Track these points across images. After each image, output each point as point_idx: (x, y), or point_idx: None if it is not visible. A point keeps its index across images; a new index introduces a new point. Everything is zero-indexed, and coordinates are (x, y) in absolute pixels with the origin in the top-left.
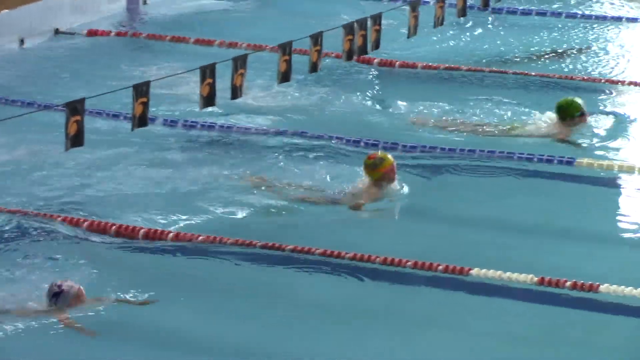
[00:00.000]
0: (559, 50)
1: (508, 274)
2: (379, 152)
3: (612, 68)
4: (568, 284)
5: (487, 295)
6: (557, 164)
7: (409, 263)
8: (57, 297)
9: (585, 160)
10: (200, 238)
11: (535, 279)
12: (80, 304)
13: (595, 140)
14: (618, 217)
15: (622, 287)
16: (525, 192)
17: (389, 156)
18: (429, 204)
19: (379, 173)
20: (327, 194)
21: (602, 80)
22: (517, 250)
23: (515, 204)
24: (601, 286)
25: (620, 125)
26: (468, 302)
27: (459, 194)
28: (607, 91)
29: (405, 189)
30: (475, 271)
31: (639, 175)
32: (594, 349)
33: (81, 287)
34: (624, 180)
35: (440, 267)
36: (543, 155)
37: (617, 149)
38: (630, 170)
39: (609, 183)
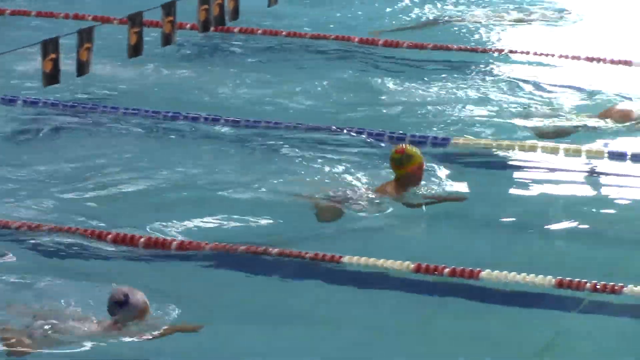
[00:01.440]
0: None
1: (390, 261)
2: (407, 145)
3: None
4: (447, 270)
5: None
6: (430, 144)
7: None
8: (121, 307)
9: (462, 140)
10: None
11: (412, 265)
12: (142, 321)
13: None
14: (498, 200)
15: (505, 272)
16: None
17: (418, 152)
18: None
19: (404, 171)
20: (336, 196)
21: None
22: (388, 235)
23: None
24: (482, 272)
25: (496, 99)
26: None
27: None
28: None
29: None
30: None
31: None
32: (467, 338)
33: (147, 302)
34: (502, 159)
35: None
36: (415, 135)
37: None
38: (502, 147)
39: (489, 164)
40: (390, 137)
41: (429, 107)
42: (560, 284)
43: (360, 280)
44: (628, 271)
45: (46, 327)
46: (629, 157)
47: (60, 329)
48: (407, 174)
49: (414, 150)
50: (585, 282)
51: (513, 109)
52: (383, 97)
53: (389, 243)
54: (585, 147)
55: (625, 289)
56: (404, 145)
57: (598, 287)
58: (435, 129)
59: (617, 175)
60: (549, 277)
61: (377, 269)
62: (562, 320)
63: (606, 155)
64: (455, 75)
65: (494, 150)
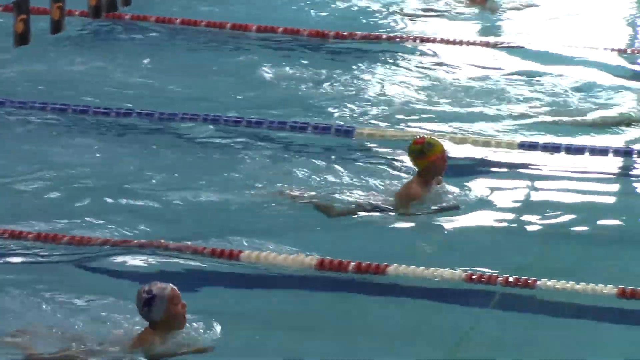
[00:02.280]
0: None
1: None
2: (426, 135)
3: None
4: (352, 265)
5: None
6: (335, 134)
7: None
8: (150, 304)
9: (367, 130)
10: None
11: (314, 261)
12: (178, 309)
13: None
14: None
15: (412, 267)
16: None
17: (438, 141)
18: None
19: (426, 162)
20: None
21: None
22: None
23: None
24: (389, 267)
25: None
26: None
27: None
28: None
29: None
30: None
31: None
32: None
33: (174, 287)
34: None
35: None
36: (318, 125)
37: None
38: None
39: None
40: (293, 126)
41: (333, 96)
42: (470, 278)
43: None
44: (546, 264)
45: (75, 351)
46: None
47: (93, 352)
48: (430, 164)
49: (433, 138)
50: (497, 277)
51: (430, 98)
52: (281, 85)
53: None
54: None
55: (538, 282)
56: (422, 135)
57: (510, 281)
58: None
59: (529, 166)
60: (459, 271)
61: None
62: (475, 315)
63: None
64: (361, 65)
65: (401, 140)
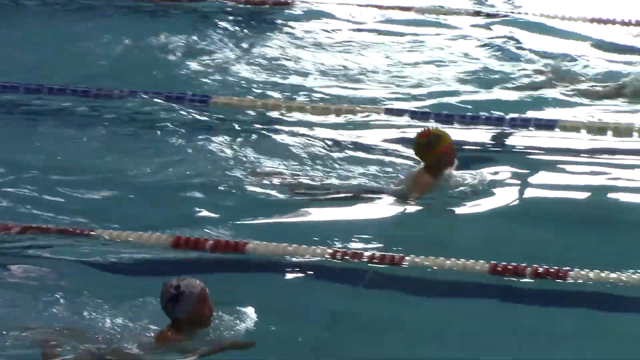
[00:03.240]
0: None
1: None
2: (432, 127)
3: None
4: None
5: None
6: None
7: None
8: (177, 301)
9: (222, 99)
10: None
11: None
12: (205, 310)
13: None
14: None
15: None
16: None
17: (445, 131)
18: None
19: (435, 155)
20: (368, 187)
21: None
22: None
23: None
24: (248, 245)
25: None
26: None
27: None
28: None
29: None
30: None
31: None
32: None
33: (204, 286)
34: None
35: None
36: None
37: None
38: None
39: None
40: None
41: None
42: (333, 256)
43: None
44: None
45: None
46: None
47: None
48: (438, 156)
49: (438, 129)
50: (362, 252)
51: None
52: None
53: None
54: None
55: (406, 258)
56: (426, 128)
57: (376, 259)
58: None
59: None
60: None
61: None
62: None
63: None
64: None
65: (258, 110)
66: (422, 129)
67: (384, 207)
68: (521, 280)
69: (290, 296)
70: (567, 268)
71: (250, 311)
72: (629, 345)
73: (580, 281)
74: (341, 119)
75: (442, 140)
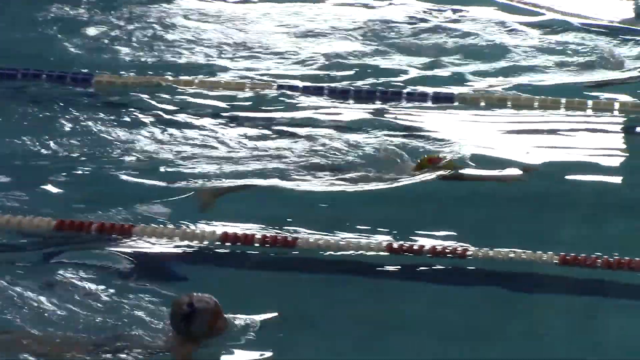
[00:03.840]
0: None
1: None
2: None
3: None
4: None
5: None
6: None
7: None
8: (190, 319)
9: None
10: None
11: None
12: (220, 325)
13: None
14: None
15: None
16: None
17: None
18: None
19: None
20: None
21: None
22: None
23: None
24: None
25: None
26: None
27: None
28: None
29: None
30: None
31: None
32: None
33: (218, 302)
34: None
35: None
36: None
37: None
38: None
39: None
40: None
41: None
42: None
43: None
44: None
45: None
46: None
47: None
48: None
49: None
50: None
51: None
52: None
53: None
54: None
55: (299, 240)
56: (437, 154)
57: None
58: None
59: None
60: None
61: None
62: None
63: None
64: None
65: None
66: (434, 155)
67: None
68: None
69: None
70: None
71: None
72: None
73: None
74: (231, 93)
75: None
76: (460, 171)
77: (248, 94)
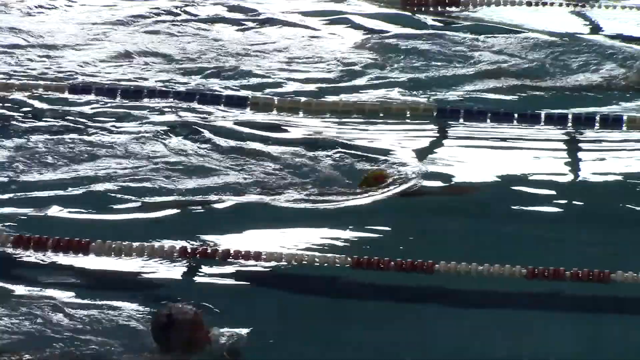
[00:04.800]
0: None
1: None
2: (383, 170)
3: None
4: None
5: None
6: None
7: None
8: (169, 331)
9: None
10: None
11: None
12: (200, 341)
13: None
14: None
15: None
16: None
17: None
18: None
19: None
20: None
21: None
22: None
23: None
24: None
25: None
26: None
27: None
28: None
29: None
30: None
31: None
32: None
33: (197, 311)
34: None
35: None
36: None
37: None
38: None
39: None
40: None
41: None
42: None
43: None
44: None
45: None
46: None
47: None
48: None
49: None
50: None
51: None
52: None
53: None
54: None
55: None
56: (383, 171)
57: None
58: None
59: None
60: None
61: None
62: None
63: None
64: None
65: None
66: (380, 170)
67: None
68: None
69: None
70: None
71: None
72: None
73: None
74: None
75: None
76: (409, 184)
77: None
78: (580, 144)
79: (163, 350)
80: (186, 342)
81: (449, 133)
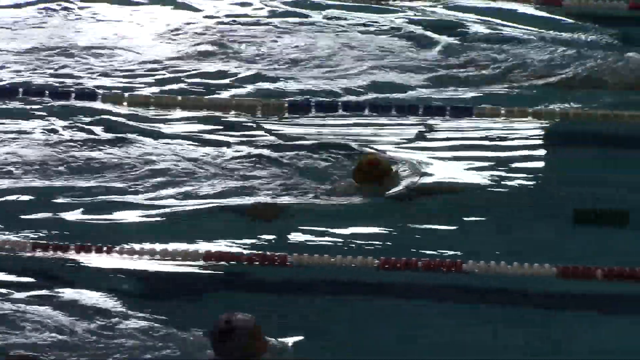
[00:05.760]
0: None
1: None
2: (376, 154)
3: None
4: None
5: None
6: None
7: None
8: (227, 338)
9: None
10: None
11: None
12: (259, 351)
13: None
14: None
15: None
16: None
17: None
18: None
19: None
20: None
21: None
22: None
23: None
24: None
25: None
26: None
27: None
28: None
29: None
30: None
31: None
32: None
33: (257, 324)
34: None
35: None
36: None
37: None
38: None
39: None
40: None
41: None
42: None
43: None
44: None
45: None
46: None
47: None
48: (376, 183)
49: (384, 159)
50: None
51: None
52: None
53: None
54: None
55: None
56: (374, 155)
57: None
58: None
59: None
60: None
61: None
62: None
63: None
64: None
65: None
66: (370, 155)
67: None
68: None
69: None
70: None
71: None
72: None
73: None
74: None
75: (386, 171)
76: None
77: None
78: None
79: (220, 359)
80: (244, 351)
81: None
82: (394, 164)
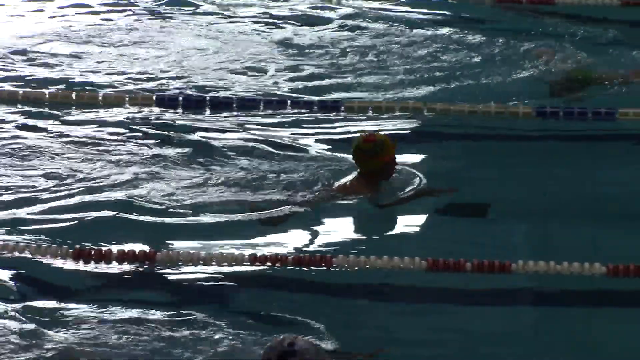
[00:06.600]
0: None
1: None
2: (374, 132)
3: None
4: None
5: None
6: None
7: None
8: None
9: None
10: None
11: None
12: None
13: None
14: None
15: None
16: None
17: (388, 138)
18: None
19: (377, 163)
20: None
21: None
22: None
23: None
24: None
25: None
26: None
27: None
28: None
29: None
30: None
31: None
32: None
33: (319, 347)
34: None
35: None
36: None
37: None
38: None
39: None
40: None
41: None
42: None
43: None
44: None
45: None
46: None
47: None
48: (380, 165)
49: (384, 136)
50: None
51: None
52: None
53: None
54: None
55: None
56: (370, 132)
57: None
58: None
59: None
60: None
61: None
62: None
63: None
64: None
65: None
66: (366, 133)
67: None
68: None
69: None
70: None
71: None
72: None
73: None
74: None
75: (387, 148)
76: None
77: None
78: None
79: None
80: None
81: None
82: None
